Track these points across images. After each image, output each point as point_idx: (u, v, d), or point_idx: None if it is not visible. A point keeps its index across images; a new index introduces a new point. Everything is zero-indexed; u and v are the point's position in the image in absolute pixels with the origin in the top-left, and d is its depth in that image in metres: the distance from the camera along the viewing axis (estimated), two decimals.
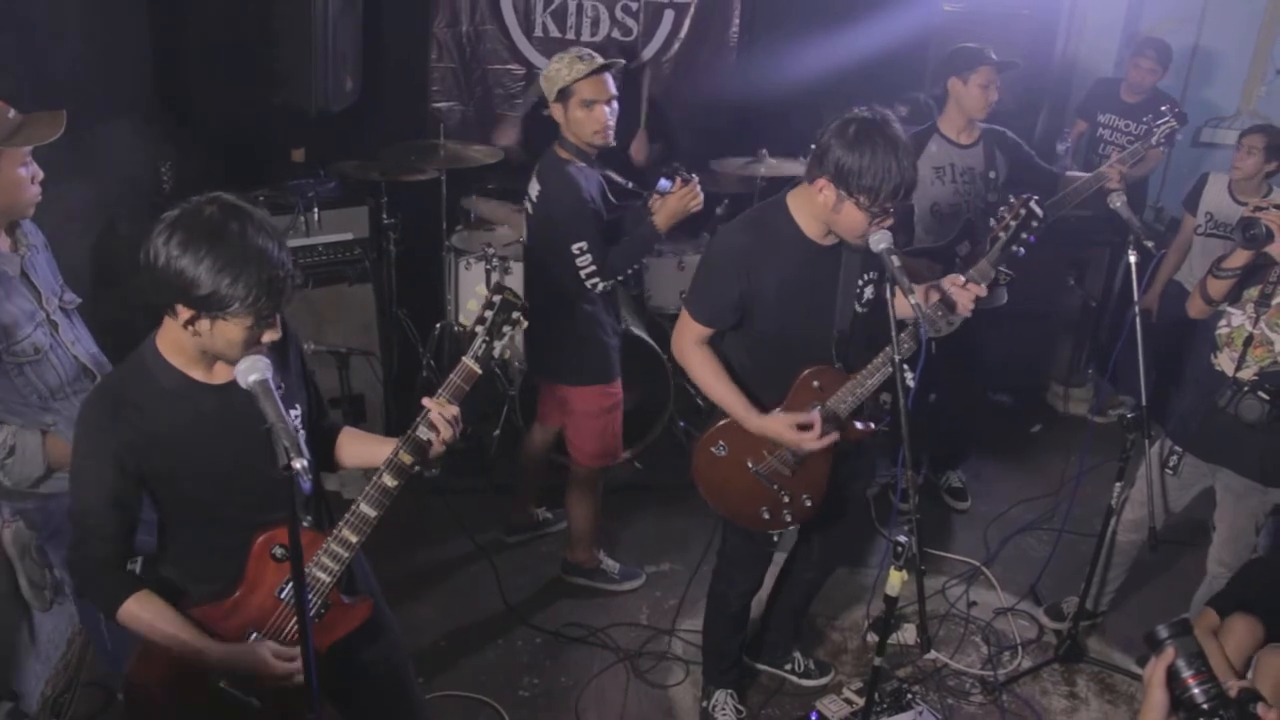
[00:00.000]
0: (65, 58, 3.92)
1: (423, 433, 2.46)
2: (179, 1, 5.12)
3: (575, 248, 3.74)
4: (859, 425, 3.26)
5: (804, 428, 3.10)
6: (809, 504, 3.35)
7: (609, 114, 3.83)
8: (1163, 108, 4.56)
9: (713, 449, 3.31)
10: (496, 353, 2.55)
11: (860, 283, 3.17)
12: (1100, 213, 4.39)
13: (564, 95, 3.78)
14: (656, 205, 3.88)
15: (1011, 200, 3.27)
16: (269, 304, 2.14)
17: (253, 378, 2.05)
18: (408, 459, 2.45)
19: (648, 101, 5.96)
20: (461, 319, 2.54)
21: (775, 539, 3.49)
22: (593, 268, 3.78)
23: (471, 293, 5.39)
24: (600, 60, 3.81)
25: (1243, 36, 6.59)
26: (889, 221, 2.91)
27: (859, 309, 3.19)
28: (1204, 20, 6.61)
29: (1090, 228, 5.85)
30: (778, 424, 3.14)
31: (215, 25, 5.13)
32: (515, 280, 5.34)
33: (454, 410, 2.49)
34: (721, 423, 3.28)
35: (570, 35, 6.12)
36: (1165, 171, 6.54)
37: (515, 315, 2.53)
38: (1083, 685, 4.08)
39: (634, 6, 6.18)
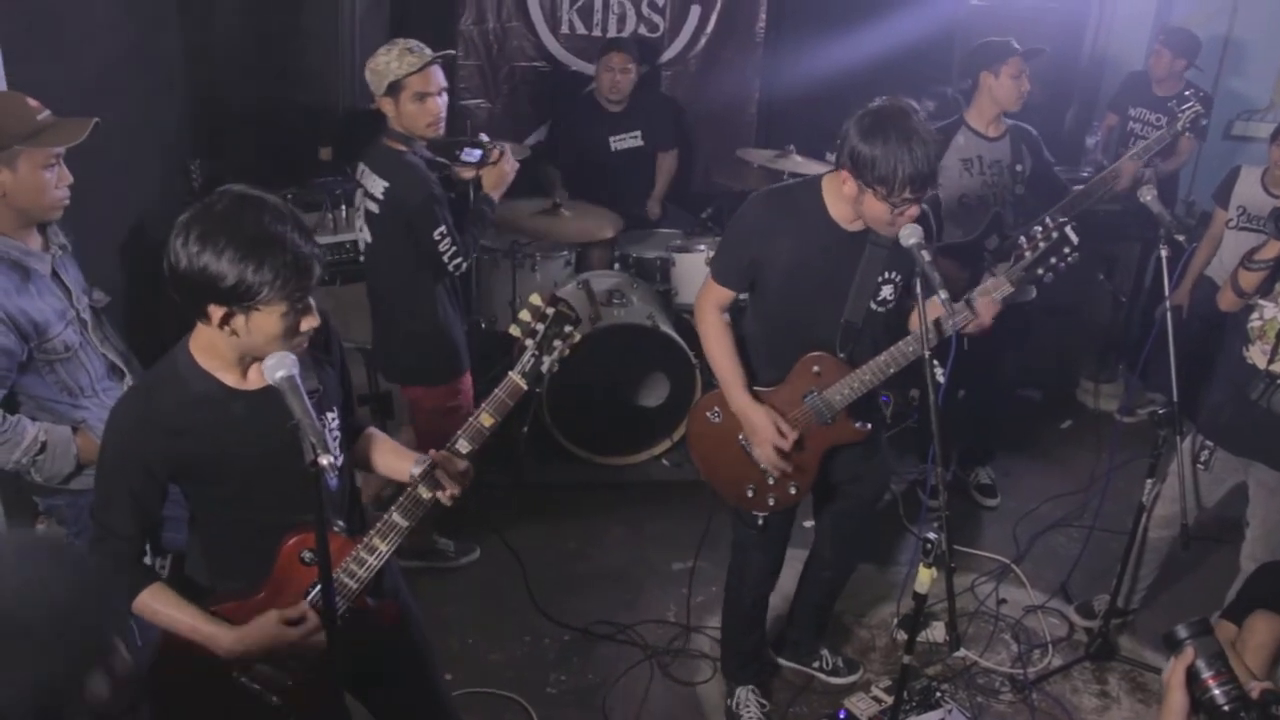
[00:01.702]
0: (95, 58, 3.94)
1: (423, 492, 2.43)
2: (209, 3, 5.15)
3: (436, 234, 3.77)
4: (856, 425, 3.26)
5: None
6: (793, 492, 3.35)
7: (441, 105, 3.84)
8: (1186, 92, 4.52)
9: (708, 414, 3.36)
10: (545, 368, 2.47)
11: (880, 279, 3.14)
12: (1131, 207, 4.36)
13: (395, 88, 3.74)
14: (469, 174, 4.05)
15: (1047, 221, 3.17)
16: (298, 285, 2.12)
17: (280, 374, 2.03)
18: (427, 494, 2.43)
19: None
20: (511, 329, 2.44)
21: (761, 521, 3.46)
22: (454, 249, 3.82)
23: (498, 290, 5.41)
24: (430, 53, 3.79)
25: (1275, 28, 6.51)
26: (914, 211, 2.89)
27: (874, 306, 3.17)
28: (1236, 12, 6.54)
29: (1120, 222, 5.79)
30: (759, 414, 3.19)
31: (244, 25, 5.16)
32: (542, 278, 5.37)
33: (461, 466, 2.48)
34: (718, 389, 3.32)
35: (597, 32, 6.14)
36: (1196, 165, 6.46)
37: (568, 330, 2.45)
38: (1114, 684, 4.04)
39: (660, 2, 6.20)
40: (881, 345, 3.15)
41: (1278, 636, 3.29)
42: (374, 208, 3.87)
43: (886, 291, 3.17)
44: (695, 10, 6.26)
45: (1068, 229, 3.10)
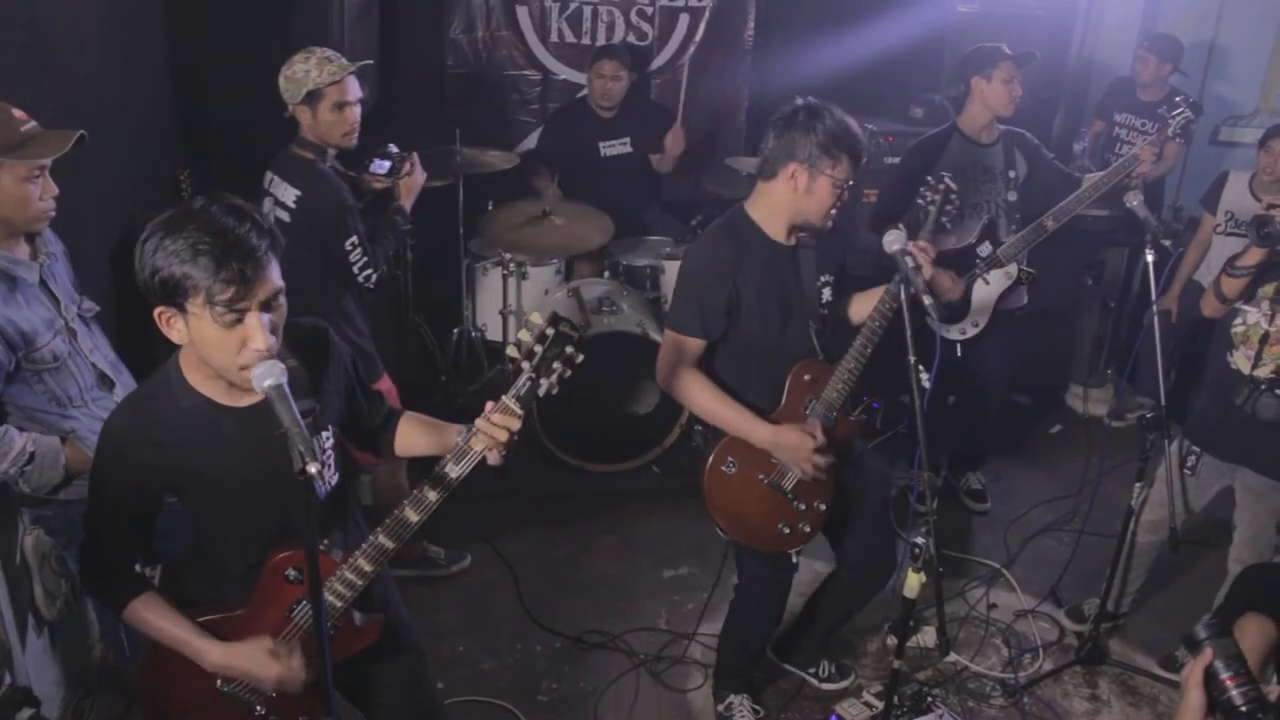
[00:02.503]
0: (85, 69, 3.94)
1: (410, 514, 2.36)
2: (197, 11, 5.15)
3: (348, 244, 3.77)
4: (851, 417, 3.31)
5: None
6: (822, 508, 3.35)
7: (357, 115, 3.84)
8: (1177, 99, 4.54)
9: (722, 468, 3.28)
10: (542, 392, 2.30)
11: (819, 283, 3.26)
12: (1117, 212, 4.39)
13: (312, 97, 3.73)
14: (381, 185, 4.09)
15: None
16: (222, 287, 2.00)
17: (267, 382, 2.00)
18: (432, 495, 2.37)
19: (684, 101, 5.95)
20: (509, 350, 2.32)
21: (794, 559, 3.47)
22: (364, 260, 3.82)
23: (489, 298, 5.41)
24: (347, 63, 3.78)
25: (1261, 33, 6.57)
26: (844, 197, 3.11)
27: (821, 309, 3.28)
28: (1221, 18, 6.59)
29: (1108, 227, 5.83)
30: (785, 433, 3.17)
31: (233, 34, 5.16)
32: (532, 286, 5.37)
33: (503, 432, 2.32)
34: (726, 439, 3.26)
35: (586, 40, 6.16)
36: (1183, 171, 6.50)
37: (569, 350, 2.28)
38: (1105, 687, 4.05)
39: (649, 11, 6.21)
40: (840, 343, 3.24)
41: (1269, 638, 3.30)
42: (284, 216, 3.82)
43: (826, 294, 3.29)
44: (684, 18, 6.28)
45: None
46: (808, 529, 3.36)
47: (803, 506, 3.31)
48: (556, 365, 2.29)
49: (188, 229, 2.01)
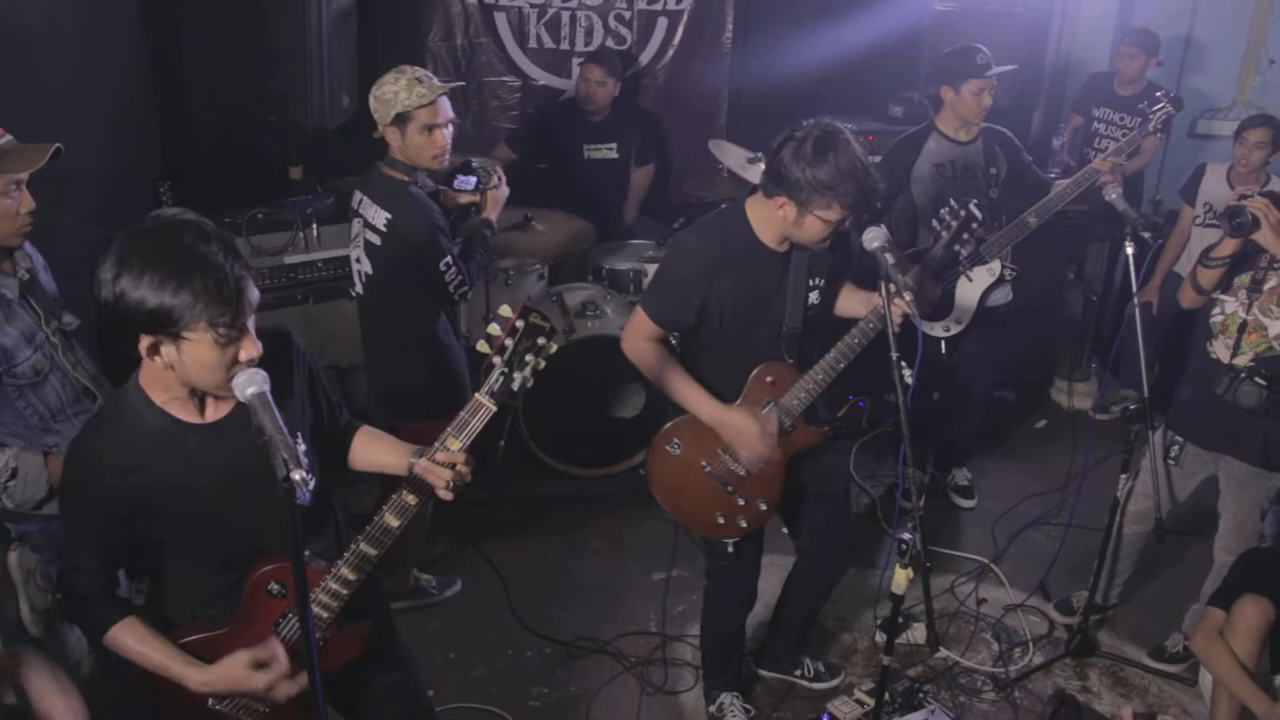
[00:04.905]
0: (61, 80, 3.93)
1: (390, 519, 2.35)
2: (175, 23, 5.14)
3: (443, 264, 3.71)
4: (813, 429, 3.29)
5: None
6: (764, 508, 3.35)
7: (448, 137, 3.76)
8: (1158, 94, 4.57)
9: (667, 447, 3.31)
10: (516, 386, 2.29)
11: (808, 286, 3.23)
12: (1097, 207, 4.41)
13: (401, 119, 3.65)
14: (466, 199, 4.05)
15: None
16: (222, 309, 2.00)
17: (250, 390, 1.99)
18: (411, 499, 2.37)
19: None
20: (479, 345, 2.30)
21: (732, 549, 3.45)
22: (459, 278, 3.78)
23: (472, 305, 5.40)
24: (439, 84, 3.70)
25: (1235, 28, 6.63)
26: (845, 226, 3.05)
27: (807, 312, 3.25)
28: (1196, 13, 6.64)
29: (1088, 222, 5.85)
30: (737, 415, 3.17)
31: (211, 46, 5.14)
32: (515, 291, 5.36)
33: (449, 466, 2.33)
34: (676, 420, 3.29)
35: (565, 46, 6.15)
36: (1162, 164, 6.54)
37: (541, 342, 2.27)
38: (1095, 679, 4.07)
39: (628, 15, 6.21)
40: (819, 344, 3.21)
41: (1267, 619, 3.34)
42: (374, 239, 3.78)
43: (813, 296, 3.25)
44: (662, 22, 6.28)
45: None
46: (744, 523, 3.36)
47: (741, 501, 3.32)
48: (529, 358, 2.28)
49: (170, 260, 1.99)
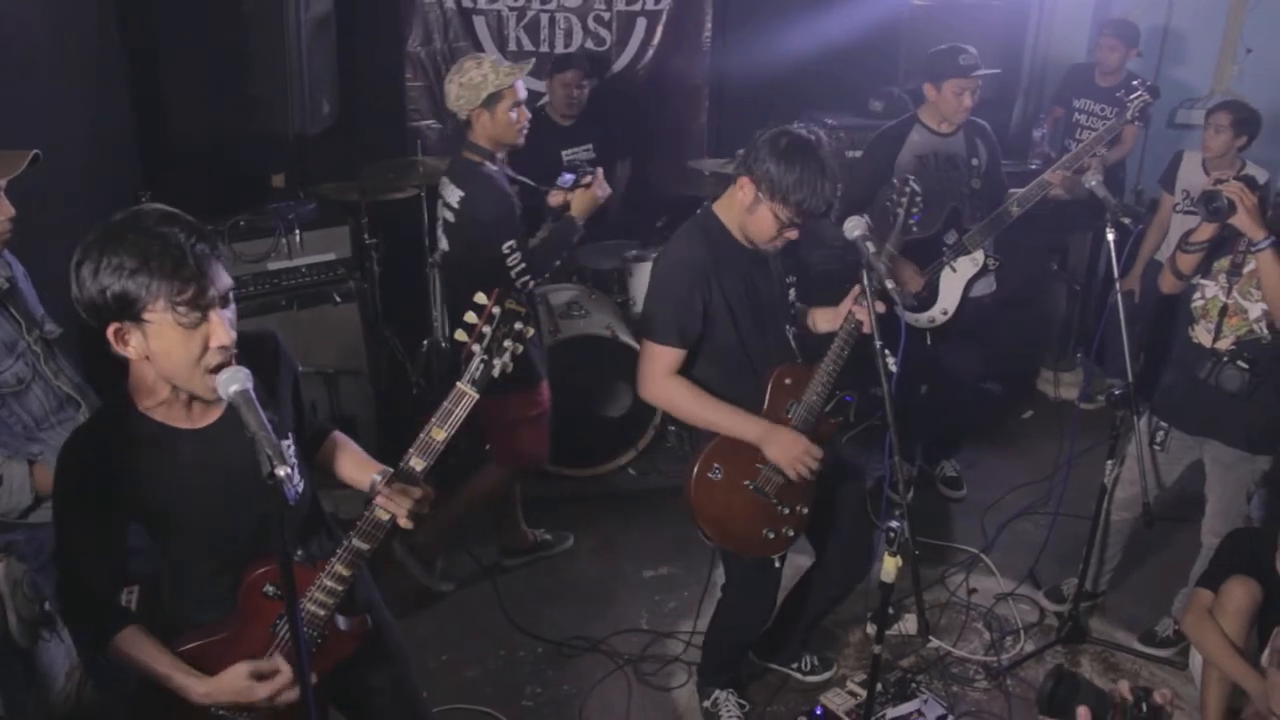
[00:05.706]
0: (40, 88, 3.92)
1: (380, 513, 2.35)
2: (154, 31, 5.13)
3: (505, 247, 3.78)
4: (831, 420, 3.30)
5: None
6: (805, 511, 3.34)
7: (528, 113, 3.95)
8: (1134, 82, 4.60)
9: (709, 475, 3.23)
10: (497, 372, 2.31)
11: (786, 283, 3.28)
12: (1079, 196, 4.42)
13: (492, 99, 3.82)
14: (558, 198, 4.10)
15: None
16: (179, 289, 1.98)
17: (233, 388, 1.97)
18: (384, 515, 2.36)
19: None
20: (458, 334, 2.35)
21: (778, 564, 3.46)
22: (522, 265, 3.83)
23: (461, 306, 5.39)
24: (514, 65, 3.92)
25: (1212, 17, 6.67)
26: (793, 234, 3.07)
27: (791, 310, 3.29)
28: (1172, 3, 6.68)
29: (1070, 212, 5.86)
30: (781, 431, 3.16)
31: (191, 54, 5.14)
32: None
33: (417, 493, 2.35)
34: (710, 445, 3.23)
35: (544, 48, 6.14)
36: (1143, 154, 6.58)
37: (519, 327, 2.30)
38: (1086, 665, 4.08)
39: (606, 16, 6.21)
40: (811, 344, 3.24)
41: (1254, 599, 3.35)
42: (450, 216, 3.96)
43: (791, 294, 3.29)
44: (641, 22, 6.29)
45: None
46: (791, 533, 3.34)
47: (786, 511, 3.30)
48: (508, 344, 2.31)
49: (126, 242, 1.98)
